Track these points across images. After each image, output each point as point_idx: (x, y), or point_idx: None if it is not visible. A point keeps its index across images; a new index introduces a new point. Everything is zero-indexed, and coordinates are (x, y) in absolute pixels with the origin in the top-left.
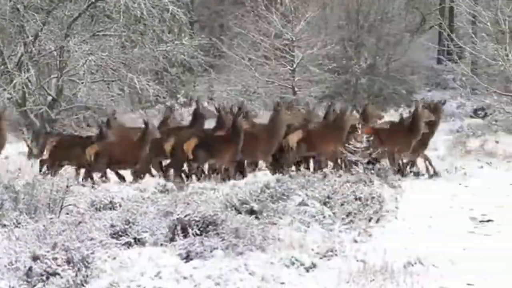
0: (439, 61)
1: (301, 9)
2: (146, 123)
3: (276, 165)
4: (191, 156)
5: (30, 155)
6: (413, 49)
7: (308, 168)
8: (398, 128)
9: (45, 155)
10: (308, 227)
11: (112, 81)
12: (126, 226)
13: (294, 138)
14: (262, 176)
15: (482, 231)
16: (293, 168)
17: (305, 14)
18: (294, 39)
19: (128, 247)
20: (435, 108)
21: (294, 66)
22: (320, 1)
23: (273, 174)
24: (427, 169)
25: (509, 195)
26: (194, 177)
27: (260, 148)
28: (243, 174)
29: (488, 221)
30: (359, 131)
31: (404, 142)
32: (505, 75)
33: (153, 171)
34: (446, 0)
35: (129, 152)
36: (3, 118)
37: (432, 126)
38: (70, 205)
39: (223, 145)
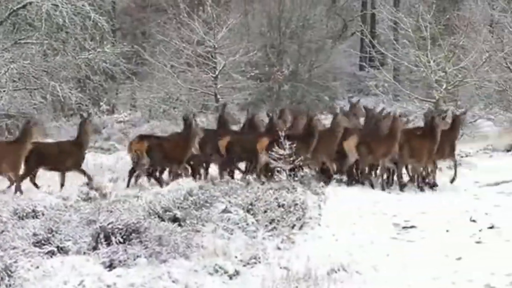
0: (361, 68)
1: (223, 16)
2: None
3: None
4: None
5: None
6: (335, 56)
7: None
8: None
9: None
10: (232, 234)
11: (35, 89)
12: (49, 235)
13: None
14: (186, 183)
15: (405, 237)
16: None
17: (227, 21)
18: (216, 46)
19: (51, 256)
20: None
21: (217, 73)
22: (241, 8)
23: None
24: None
25: (432, 201)
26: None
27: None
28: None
29: (411, 227)
30: None
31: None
32: (427, 81)
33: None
34: (368, 6)
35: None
36: None
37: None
38: None
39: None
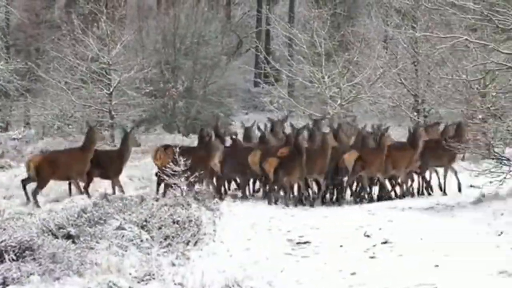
0: (256, 84)
1: (117, 32)
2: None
3: None
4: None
5: None
6: (230, 72)
7: None
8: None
9: None
10: (126, 251)
11: None
12: None
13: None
14: (80, 200)
15: (300, 252)
16: None
17: (122, 38)
18: (111, 62)
19: None
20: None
21: (111, 89)
22: (136, 25)
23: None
24: None
25: (326, 216)
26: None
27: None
28: None
29: (305, 242)
30: None
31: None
32: (322, 97)
33: None
34: (263, 23)
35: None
36: None
37: None
38: None
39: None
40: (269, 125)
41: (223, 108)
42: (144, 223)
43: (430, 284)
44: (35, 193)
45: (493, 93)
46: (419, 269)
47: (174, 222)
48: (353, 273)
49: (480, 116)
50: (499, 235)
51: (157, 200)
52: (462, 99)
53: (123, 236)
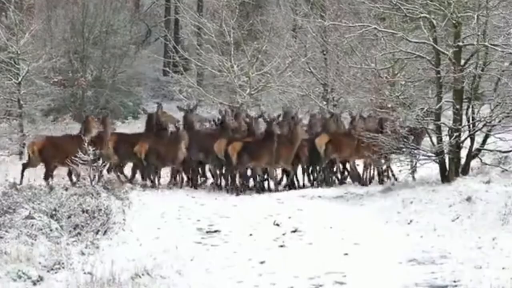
0: (165, 73)
1: (26, 22)
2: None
3: None
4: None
5: None
6: (139, 61)
7: None
8: None
9: None
10: (35, 240)
11: None
12: None
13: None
14: None
15: (209, 241)
16: None
17: (30, 27)
18: (19, 52)
19: None
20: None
21: (20, 79)
22: (44, 14)
23: None
24: None
25: (235, 205)
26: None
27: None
28: None
29: (215, 231)
30: None
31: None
32: (231, 86)
33: None
34: (171, 12)
35: None
36: None
37: None
38: None
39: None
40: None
41: (132, 97)
42: (54, 212)
43: (340, 273)
44: (46, 177)
45: (402, 82)
46: (329, 257)
47: (83, 211)
48: (263, 262)
49: (389, 105)
50: (409, 223)
51: (66, 189)
52: (371, 88)
53: (32, 225)
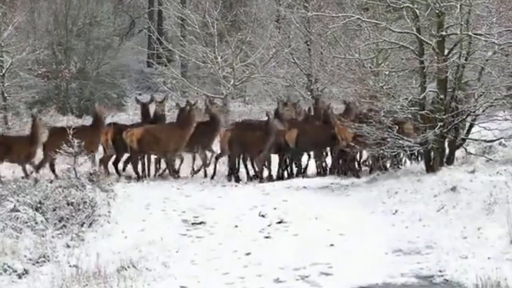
0: (149, 65)
1: (9, 14)
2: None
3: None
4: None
5: None
6: (123, 53)
7: None
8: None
9: None
10: (20, 233)
11: None
12: None
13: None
14: None
15: (195, 233)
16: None
17: (13, 19)
18: (2, 44)
19: None
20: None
21: (3, 71)
22: (28, 6)
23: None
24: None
25: (220, 197)
26: None
27: None
28: None
29: (200, 223)
30: None
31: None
32: (215, 77)
33: None
34: (155, 3)
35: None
36: None
37: None
38: None
39: None
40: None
41: (116, 89)
42: (39, 205)
43: (326, 264)
44: (135, 166)
45: (386, 72)
46: (315, 248)
47: (68, 204)
48: (248, 253)
49: (373, 95)
50: (394, 213)
51: (51, 181)
52: (355, 78)
53: (17, 218)
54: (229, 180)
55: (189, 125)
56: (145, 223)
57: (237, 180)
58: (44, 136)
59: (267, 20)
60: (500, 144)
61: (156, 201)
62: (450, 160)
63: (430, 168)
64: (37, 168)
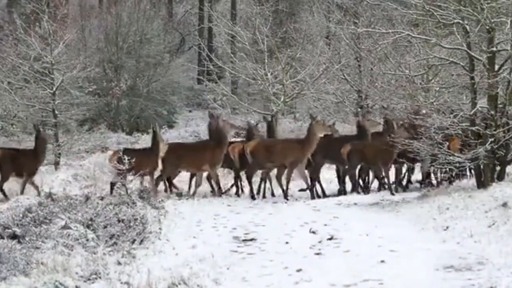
0: (199, 81)
1: (59, 31)
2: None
3: None
4: None
5: None
6: (173, 70)
7: None
8: None
9: None
10: (72, 250)
11: None
12: None
13: None
14: (24, 199)
15: (246, 250)
16: None
17: (64, 37)
18: (53, 61)
19: None
20: None
21: (54, 89)
22: (78, 24)
23: None
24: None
25: (271, 214)
26: None
27: None
28: None
29: (251, 240)
30: None
31: None
32: (265, 94)
33: None
34: (205, 20)
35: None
36: None
37: None
38: None
39: None
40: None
41: (166, 106)
42: (90, 222)
43: (377, 280)
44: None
45: (436, 88)
46: (365, 265)
47: (119, 221)
48: (299, 270)
49: (423, 111)
50: (445, 230)
51: (102, 198)
52: (406, 94)
53: (68, 235)
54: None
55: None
56: (195, 240)
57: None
58: (163, 151)
59: (317, 37)
60: None
61: (207, 217)
62: (501, 176)
63: (481, 184)
64: (156, 182)
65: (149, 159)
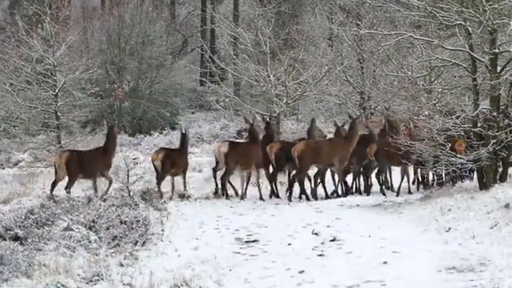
0: (202, 83)
1: (62, 33)
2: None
3: None
4: None
5: None
6: (176, 72)
7: None
8: None
9: None
10: (74, 252)
11: None
12: None
13: None
14: (27, 201)
15: (248, 251)
16: None
17: (66, 39)
18: (55, 63)
19: None
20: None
21: (57, 90)
22: (80, 25)
23: None
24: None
25: (273, 215)
26: None
27: None
28: None
29: (253, 241)
30: None
31: None
32: (268, 95)
33: None
34: (207, 22)
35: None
36: None
37: None
38: None
39: None
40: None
41: (169, 108)
42: (92, 224)
43: (379, 281)
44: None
45: (438, 89)
46: (368, 266)
47: (121, 223)
48: (302, 271)
49: (426, 113)
50: (447, 231)
51: (104, 200)
52: (408, 96)
53: (71, 237)
54: None
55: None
56: (198, 242)
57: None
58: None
59: (319, 38)
60: None
61: (209, 219)
62: (503, 177)
63: (483, 186)
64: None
65: (181, 159)
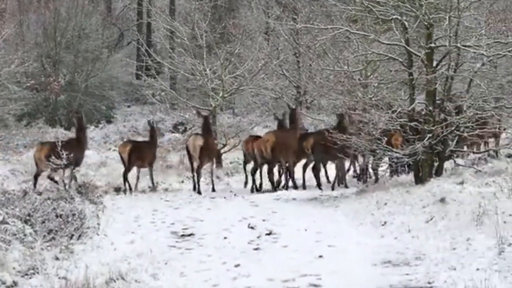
0: (138, 77)
1: None
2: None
3: None
4: None
5: None
6: (112, 65)
7: None
8: None
9: None
10: (9, 245)
11: None
12: None
13: None
14: None
15: (184, 245)
16: None
17: (2, 32)
18: None
19: None
20: None
21: None
22: (16, 18)
23: None
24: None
25: (209, 209)
26: None
27: None
28: None
29: (189, 235)
30: None
31: None
32: (204, 89)
33: None
34: (144, 16)
35: None
36: None
37: None
38: None
39: None
40: None
41: (105, 101)
42: (28, 217)
43: (315, 275)
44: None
45: (374, 83)
46: (304, 260)
47: (57, 216)
48: (237, 265)
49: (362, 108)
50: (383, 225)
51: (40, 194)
52: (344, 90)
53: (6, 230)
54: None
55: None
56: (134, 235)
57: None
58: None
59: (256, 32)
60: (488, 155)
61: (145, 213)
62: (439, 172)
63: (419, 180)
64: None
65: (150, 152)
